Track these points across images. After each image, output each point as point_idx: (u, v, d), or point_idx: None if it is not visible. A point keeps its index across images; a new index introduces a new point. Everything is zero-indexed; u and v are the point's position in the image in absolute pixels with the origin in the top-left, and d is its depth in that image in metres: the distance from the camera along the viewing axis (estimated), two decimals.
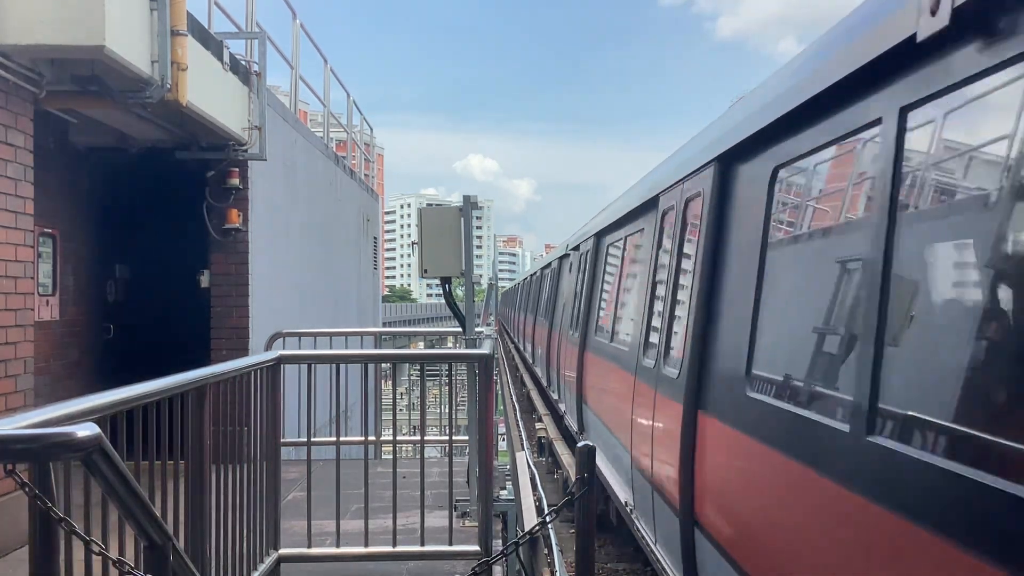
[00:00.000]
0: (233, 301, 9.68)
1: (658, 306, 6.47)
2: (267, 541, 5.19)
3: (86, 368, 10.01)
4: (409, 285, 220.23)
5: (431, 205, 8.59)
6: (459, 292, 7.31)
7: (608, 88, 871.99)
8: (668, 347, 5.93)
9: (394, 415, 10.16)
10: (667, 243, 6.41)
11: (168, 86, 7.10)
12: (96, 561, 2.82)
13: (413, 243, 7.21)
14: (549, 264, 19.25)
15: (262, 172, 10.09)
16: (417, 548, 5.42)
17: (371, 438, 6.15)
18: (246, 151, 9.54)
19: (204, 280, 9.79)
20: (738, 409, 4.37)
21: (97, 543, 2.77)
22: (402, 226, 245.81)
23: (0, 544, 6.07)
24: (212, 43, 8.56)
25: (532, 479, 10.16)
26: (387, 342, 19.56)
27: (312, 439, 5.67)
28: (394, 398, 24.69)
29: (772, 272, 4.24)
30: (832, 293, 3.53)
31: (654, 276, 6.81)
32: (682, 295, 5.69)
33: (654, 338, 6.43)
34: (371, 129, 21.67)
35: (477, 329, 7.27)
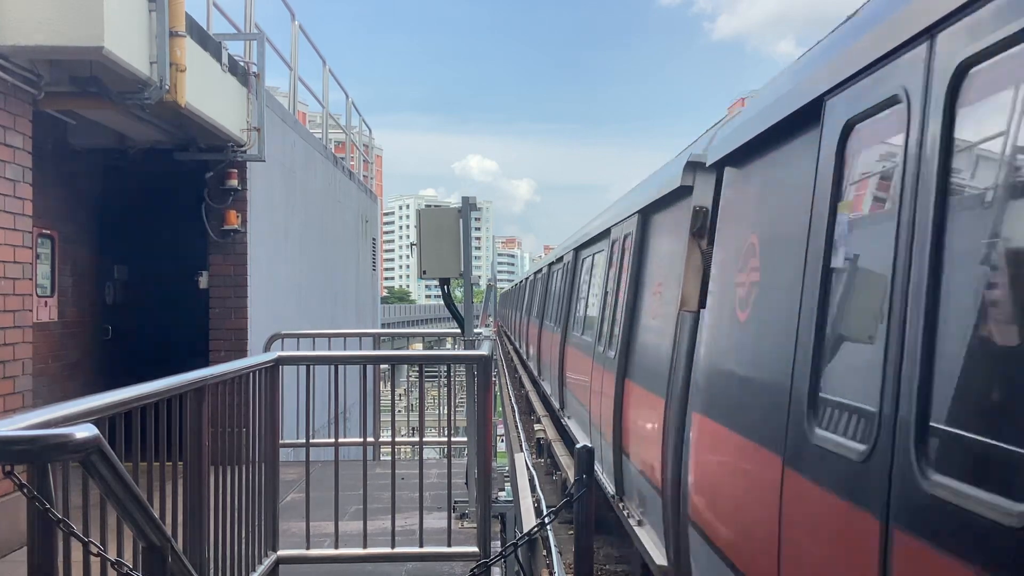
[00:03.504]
0: (232, 302, 9.67)
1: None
2: (266, 542, 5.19)
3: (85, 369, 10.01)
4: (408, 286, 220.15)
5: (430, 206, 8.60)
6: (458, 293, 7.31)
7: (608, 88, 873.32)
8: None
9: (392, 416, 10.18)
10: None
11: (167, 87, 7.10)
12: (95, 562, 2.82)
13: (412, 244, 7.21)
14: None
15: (261, 173, 10.09)
16: (416, 549, 5.42)
17: (370, 439, 6.15)
18: (245, 152, 9.54)
19: (203, 281, 9.79)
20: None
21: (96, 544, 2.77)
22: (401, 227, 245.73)
23: None
24: (211, 44, 8.56)
25: (531, 480, 10.16)
26: (386, 343, 19.55)
27: (311, 440, 5.67)
28: (392, 399, 24.69)
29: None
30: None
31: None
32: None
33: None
34: (370, 130, 21.67)
35: (476, 330, 7.27)
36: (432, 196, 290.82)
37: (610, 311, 8.69)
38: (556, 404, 13.95)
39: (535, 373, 19.03)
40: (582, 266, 12.60)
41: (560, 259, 15.88)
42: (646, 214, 7.49)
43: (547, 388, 16.04)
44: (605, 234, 9.94)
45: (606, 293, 9.23)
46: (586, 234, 12.19)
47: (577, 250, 13.19)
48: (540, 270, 21.43)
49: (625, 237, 8.24)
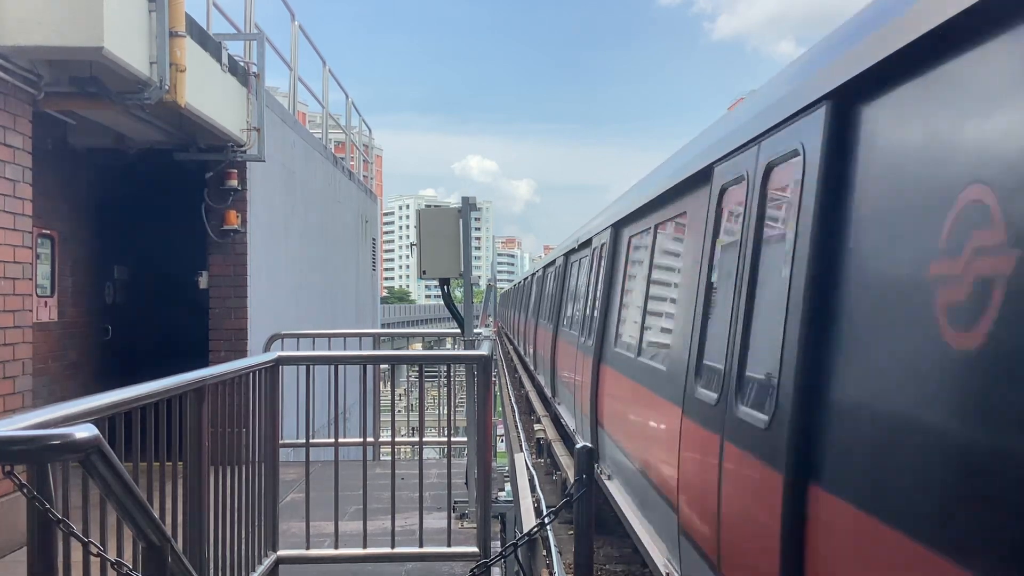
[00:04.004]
0: (232, 302, 9.68)
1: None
2: (265, 542, 5.19)
3: (84, 369, 10.01)
4: (408, 286, 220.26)
5: (430, 206, 8.60)
6: (458, 293, 7.32)
7: (608, 88, 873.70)
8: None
9: (392, 416, 10.17)
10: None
11: (167, 87, 7.10)
12: (94, 562, 2.82)
13: (412, 244, 7.21)
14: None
15: (261, 173, 10.09)
16: (416, 549, 5.42)
17: (370, 439, 6.15)
18: (245, 152, 9.54)
19: (203, 281, 9.79)
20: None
21: (95, 544, 2.77)
22: (401, 227, 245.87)
23: None
24: (210, 44, 8.56)
25: (531, 480, 10.16)
26: (386, 343, 19.56)
27: (311, 440, 5.67)
28: (392, 399, 24.70)
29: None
30: None
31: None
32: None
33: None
34: (369, 130, 21.69)
35: (476, 330, 7.27)
36: (432, 196, 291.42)
37: (731, 325, 4.27)
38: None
39: (548, 392, 15.98)
40: (629, 250, 8.35)
41: (586, 243, 11.53)
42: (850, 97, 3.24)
43: (568, 420, 11.94)
44: (692, 185, 5.72)
45: (709, 290, 4.90)
46: (640, 198, 7.66)
47: (618, 226, 9.04)
48: (553, 261, 17.45)
49: (768, 171, 4.11)
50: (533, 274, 24.80)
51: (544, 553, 8.53)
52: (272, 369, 5.29)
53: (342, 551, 5.42)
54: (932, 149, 2.73)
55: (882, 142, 3.09)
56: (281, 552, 5.39)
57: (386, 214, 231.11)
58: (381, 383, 18.35)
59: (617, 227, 9.14)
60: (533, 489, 9.83)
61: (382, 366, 14.37)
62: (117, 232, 10.68)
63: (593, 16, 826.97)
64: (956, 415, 2.40)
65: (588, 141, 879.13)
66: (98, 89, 7.00)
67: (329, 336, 9.93)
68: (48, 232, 9.06)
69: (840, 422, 3.08)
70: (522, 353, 25.90)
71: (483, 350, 5.76)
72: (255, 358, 5.35)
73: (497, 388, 18.10)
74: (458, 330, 7.54)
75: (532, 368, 20.33)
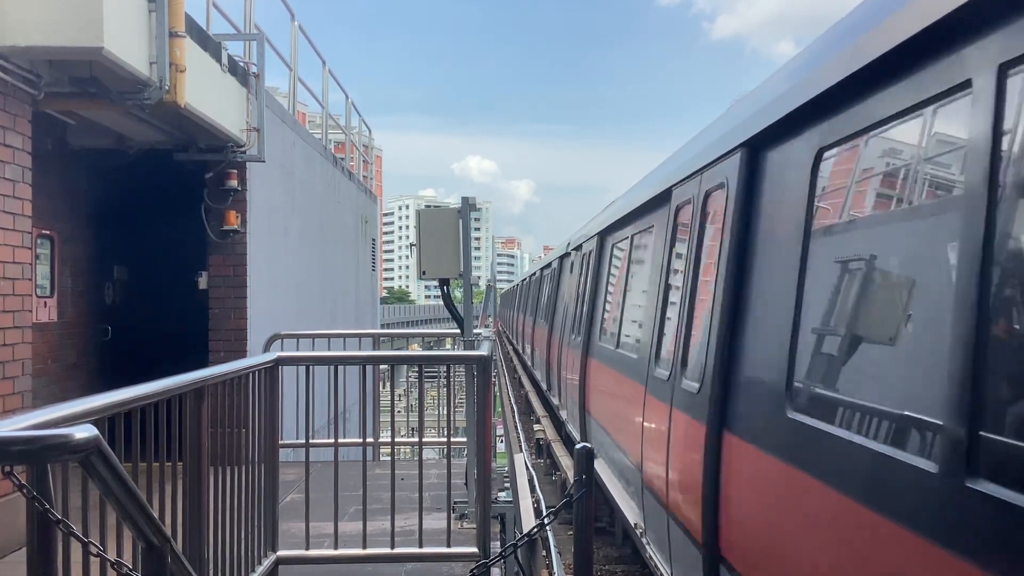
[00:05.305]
0: (231, 303, 9.67)
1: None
2: (265, 543, 5.19)
3: (84, 370, 10.00)
4: (408, 286, 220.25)
5: (429, 206, 8.60)
6: (457, 294, 7.31)
7: (607, 89, 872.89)
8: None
9: (392, 417, 10.15)
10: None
11: (166, 87, 7.10)
12: (94, 563, 2.82)
13: (411, 245, 7.21)
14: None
15: (260, 174, 10.09)
16: (415, 550, 5.42)
17: (369, 440, 6.15)
18: (244, 153, 9.53)
19: (202, 282, 9.79)
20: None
21: (95, 545, 2.77)
22: (401, 227, 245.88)
23: None
24: (210, 44, 8.56)
25: (530, 481, 10.16)
26: (385, 344, 19.54)
27: (310, 441, 5.67)
28: (392, 400, 24.67)
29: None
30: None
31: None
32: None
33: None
34: (369, 131, 21.68)
35: (475, 331, 7.27)
36: (432, 196, 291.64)
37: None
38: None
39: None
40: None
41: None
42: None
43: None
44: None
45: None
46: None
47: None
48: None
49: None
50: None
51: (544, 554, 8.53)
52: (272, 369, 5.29)
53: (342, 551, 5.42)
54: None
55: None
56: (281, 552, 5.39)
57: (386, 214, 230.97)
58: (381, 383, 18.32)
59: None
60: (533, 489, 9.82)
61: (382, 366, 14.36)
62: (117, 232, 10.68)
63: (593, 16, 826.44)
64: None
65: (588, 141, 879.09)
66: (98, 89, 7.00)
67: (329, 336, 9.93)
68: (48, 232, 9.06)
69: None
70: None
71: (483, 350, 5.76)
72: (255, 358, 5.35)
73: (497, 388, 18.07)
74: (458, 330, 7.53)
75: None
